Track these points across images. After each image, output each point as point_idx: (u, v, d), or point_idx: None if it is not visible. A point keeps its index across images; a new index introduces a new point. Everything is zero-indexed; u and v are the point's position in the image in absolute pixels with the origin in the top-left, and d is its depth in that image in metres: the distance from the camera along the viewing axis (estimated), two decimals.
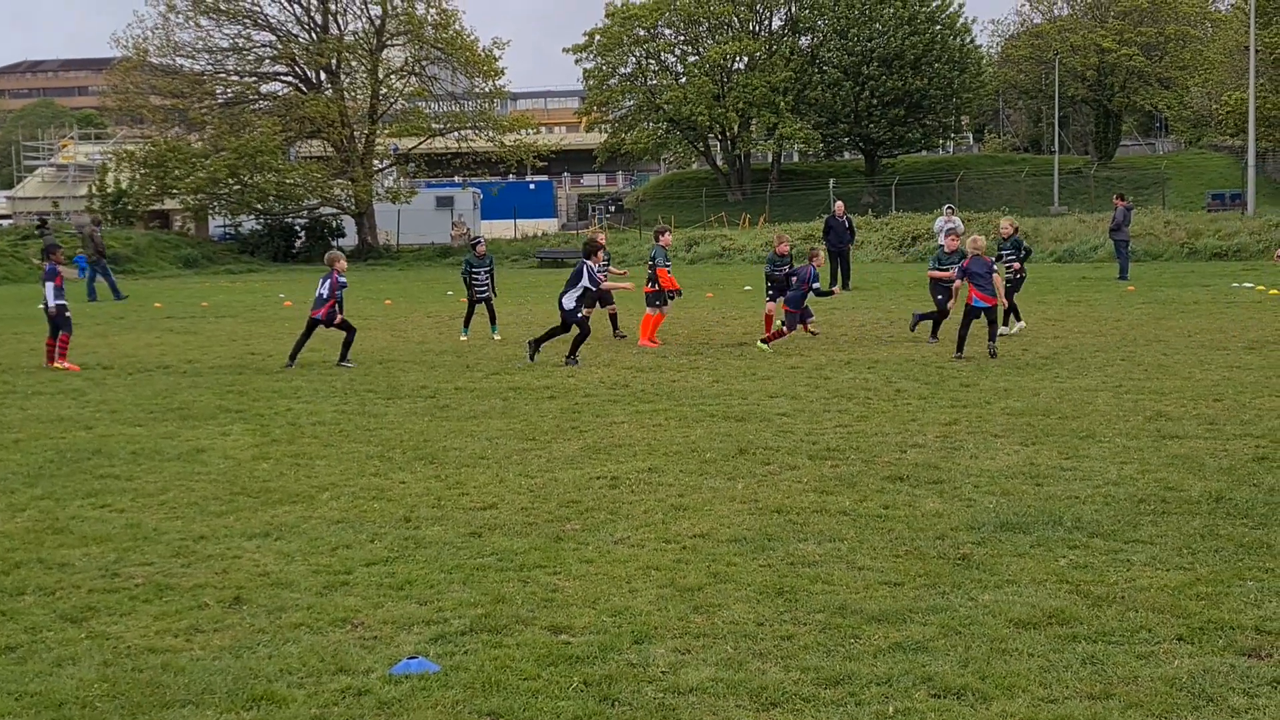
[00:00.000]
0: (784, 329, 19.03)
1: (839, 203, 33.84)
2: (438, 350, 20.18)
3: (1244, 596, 6.68)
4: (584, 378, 16.33)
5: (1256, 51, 49.52)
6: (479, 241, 23.08)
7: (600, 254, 18.48)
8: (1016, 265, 21.15)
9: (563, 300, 17.93)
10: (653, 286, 20.21)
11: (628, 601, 6.92)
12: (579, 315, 17.78)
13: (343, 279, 18.37)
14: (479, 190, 72.41)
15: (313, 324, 18.29)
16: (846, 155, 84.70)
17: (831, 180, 70.55)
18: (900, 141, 76.38)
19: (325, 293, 18.18)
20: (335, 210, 60.64)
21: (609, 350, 19.52)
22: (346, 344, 18.40)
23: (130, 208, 57.67)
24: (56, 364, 18.42)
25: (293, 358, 18.30)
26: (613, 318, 21.86)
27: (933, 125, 77.06)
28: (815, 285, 18.86)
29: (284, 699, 5.66)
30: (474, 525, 8.72)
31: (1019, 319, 20.41)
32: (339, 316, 18.20)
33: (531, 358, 18.05)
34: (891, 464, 10.38)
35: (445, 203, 70.49)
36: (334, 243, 60.78)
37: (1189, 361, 16.24)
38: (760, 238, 52.87)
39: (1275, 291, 26.69)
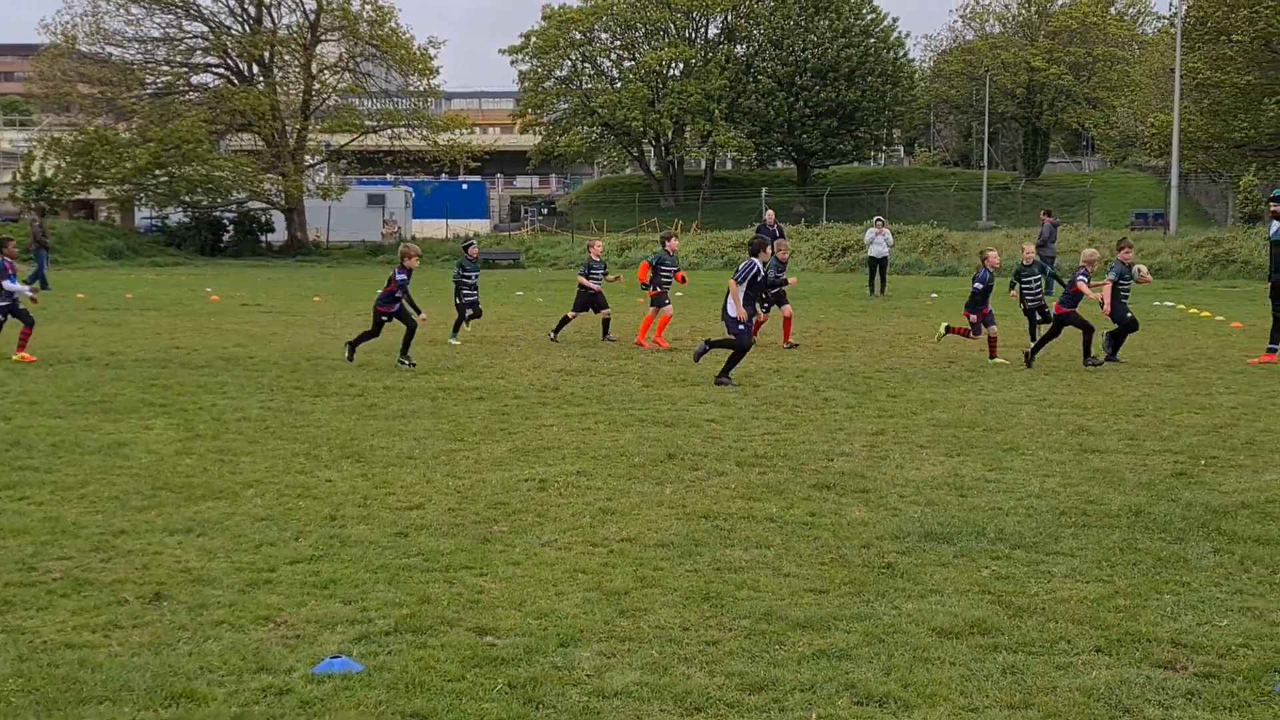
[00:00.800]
0: (971, 332, 18.77)
1: (770, 211, 33.96)
2: (366, 349, 20.01)
3: (1161, 609, 6.79)
4: (514, 380, 16.29)
5: (1181, 75, 50.39)
6: (471, 244, 22.30)
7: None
8: (1040, 292, 20.53)
9: (727, 308, 16.10)
10: (656, 289, 20.45)
11: (554, 604, 6.91)
12: (740, 327, 15.94)
13: (401, 275, 17.68)
14: (411, 189, 72.10)
15: (379, 322, 17.90)
16: (779, 164, 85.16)
17: (764, 189, 70.89)
18: (832, 152, 76.92)
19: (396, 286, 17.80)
20: (265, 205, 60.08)
21: (540, 353, 19.48)
22: (406, 340, 17.87)
23: (55, 196, 56.90)
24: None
25: (404, 353, 17.78)
26: (605, 323, 21.78)
27: (865, 137, 77.70)
28: (982, 287, 18.65)
29: (204, 697, 5.59)
30: (400, 525, 8.67)
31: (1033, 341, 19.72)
32: (394, 308, 17.70)
33: (696, 358, 16.85)
34: (818, 472, 10.45)
35: (377, 200, 70.11)
36: (264, 238, 60.22)
37: (1111, 377, 16.48)
38: (692, 244, 53.03)
39: (1195, 310, 27.17)
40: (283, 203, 59.45)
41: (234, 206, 59.64)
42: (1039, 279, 20.60)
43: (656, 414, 13.54)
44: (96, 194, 60.95)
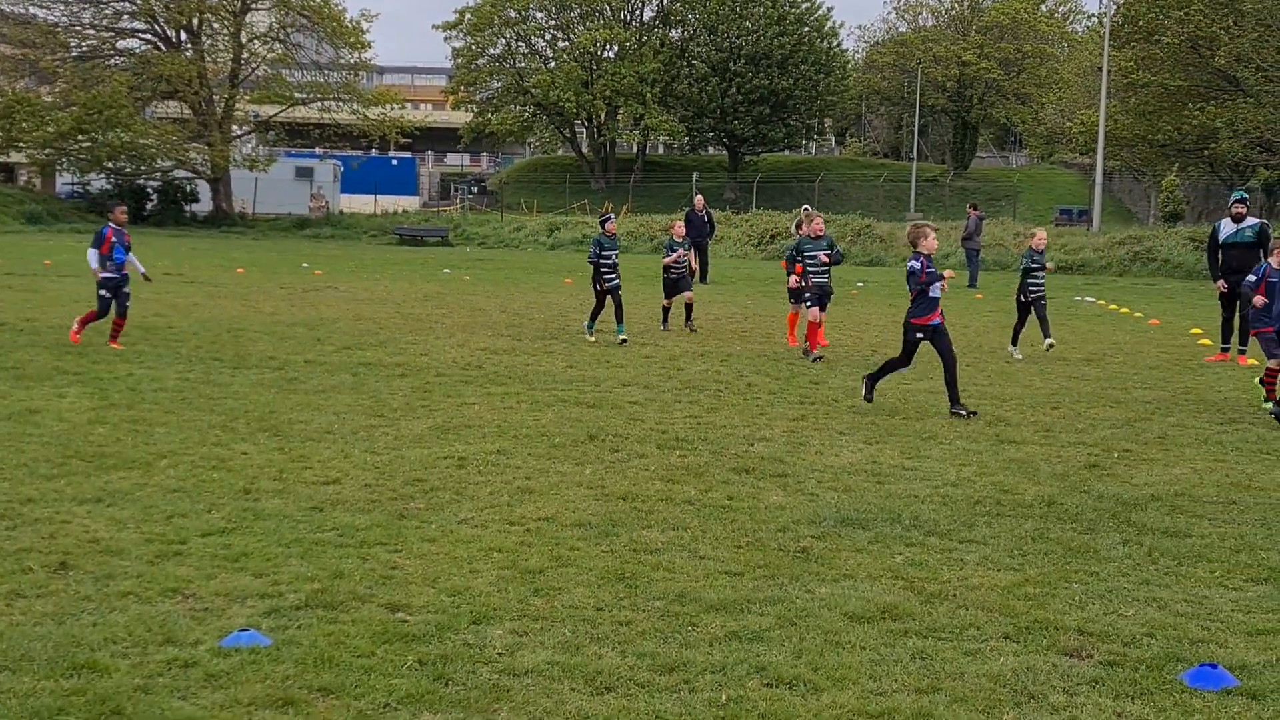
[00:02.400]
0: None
1: (699, 196, 34.10)
2: (289, 322, 19.83)
3: (1069, 598, 6.87)
4: (437, 357, 16.19)
5: (1109, 73, 51.02)
6: (609, 218, 19.83)
7: None
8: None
9: None
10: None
11: (468, 582, 6.88)
12: None
13: (914, 263, 13.25)
14: (339, 163, 71.44)
15: (914, 342, 13.19)
16: (711, 150, 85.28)
17: (695, 174, 71.00)
18: (764, 140, 77.13)
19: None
20: (190, 174, 59.27)
21: (464, 330, 19.38)
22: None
23: None
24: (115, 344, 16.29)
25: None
26: (688, 307, 20.30)
27: (796, 125, 77.98)
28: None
29: (106, 668, 5.50)
30: (316, 500, 8.59)
31: (1048, 335, 18.04)
32: (932, 319, 13.09)
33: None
34: (738, 456, 10.48)
35: (305, 173, 69.35)
36: (188, 208, 59.39)
37: (1030, 370, 16.66)
38: (621, 227, 52.92)
39: (1115, 306, 27.56)
40: (208, 172, 58.68)
41: (158, 175, 58.78)
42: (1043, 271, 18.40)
43: (579, 395, 13.51)
44: (16, 157, 59.86)
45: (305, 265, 34.99)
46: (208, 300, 23.10)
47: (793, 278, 17.70)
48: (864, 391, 13.24)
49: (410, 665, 5.66)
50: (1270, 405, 13.31)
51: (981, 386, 15.01)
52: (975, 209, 36.97)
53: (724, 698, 5.40)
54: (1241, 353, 17.96)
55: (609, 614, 6.43)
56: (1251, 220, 18.28)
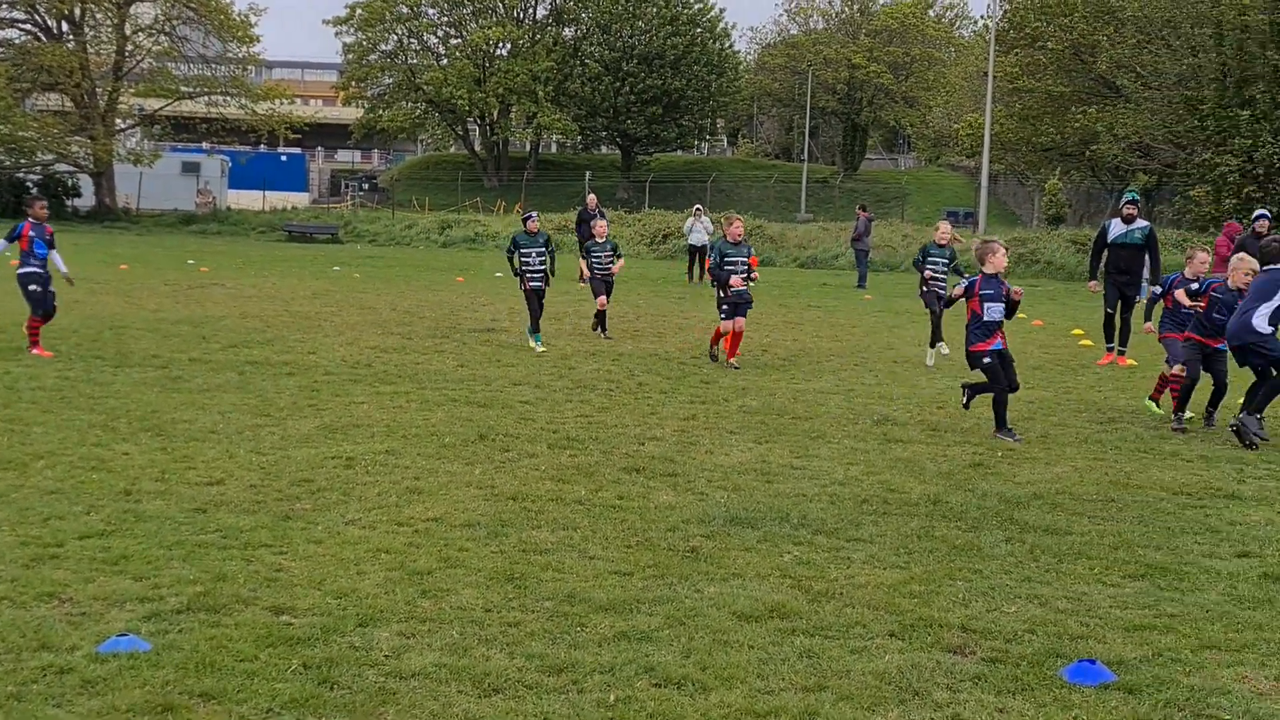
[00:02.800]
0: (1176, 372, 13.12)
1: (591, 195, 34.08)
2: (173, 319, 19.46)
3: (953, 596, 6.97)
4: (326, 355, 15.99)
5: (994, 78, 51.93)
6: (530, 216, 18.58)
7: None
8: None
9: (1254, 322, 11.84)
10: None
11: (354, 584, 6.80)
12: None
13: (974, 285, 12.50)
14: (227, 158, 70.35)
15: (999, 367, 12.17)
16: (604, 149, 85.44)
17: (588, 173, 71.00)
18: (656, 139, 77.52)
19: None
20: (72, 168, 57.97)
21: (353, 329, 19.16)
22: None
23: None
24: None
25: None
26: (601, 313, 19.53)
27: (689, 126, 78.47)
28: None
29: None
30: (199, 501, 8.43)
31: (933, 345, 18.06)
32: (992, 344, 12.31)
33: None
34: (629, 455, 10.48)
35: (191, 168, 68.16)
36: (70, 202, 58.05)
37: (918, 370, 16.88)
38: (514, 225, 52.74)
39: None
40: (91, 166, 57.44)
41: (38, 168, 57.40)
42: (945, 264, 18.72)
43: (470, 394, 13.43)
44: None
45: (191, 262, 34.38)
46: (89, 297, 22.57)
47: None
48: (998, 432, 11.95)
49: (295, 669, 5.57)
50: (1173, 415, 12.93)
51: (869, 386, 15.18)
52: (865, 210, 37.42)
53: (612, 698, 5.40)
54: (1121, 353, 18.24)
55: (497, 615, 6.39)
56: (1141, 222, 18.24)
